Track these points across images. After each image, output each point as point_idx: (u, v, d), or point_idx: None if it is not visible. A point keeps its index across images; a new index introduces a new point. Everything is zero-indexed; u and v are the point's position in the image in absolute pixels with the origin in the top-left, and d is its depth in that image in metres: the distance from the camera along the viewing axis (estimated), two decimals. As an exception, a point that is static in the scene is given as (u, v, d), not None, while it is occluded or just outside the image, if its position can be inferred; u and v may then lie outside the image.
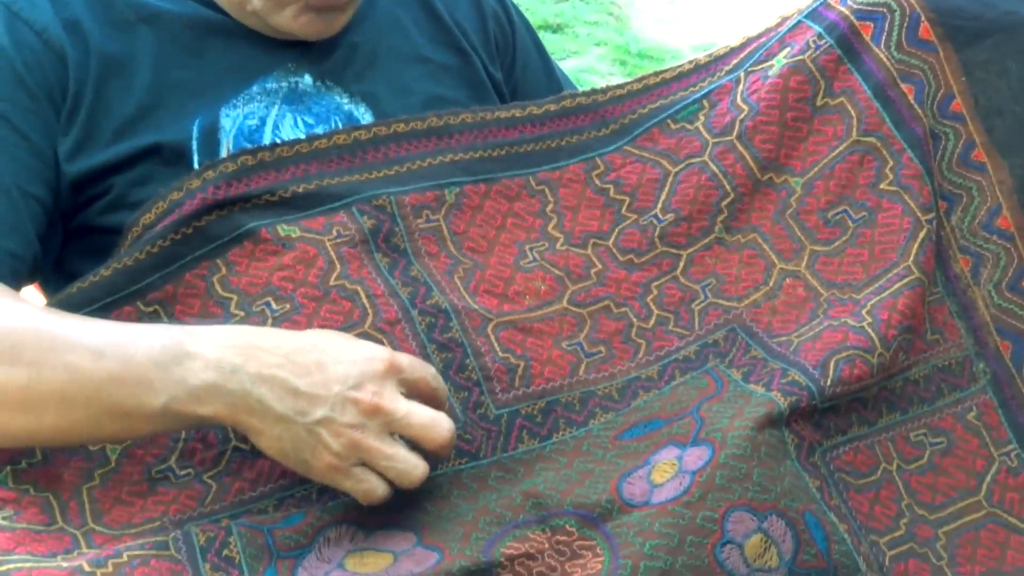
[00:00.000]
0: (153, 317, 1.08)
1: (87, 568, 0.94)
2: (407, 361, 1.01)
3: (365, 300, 1.09)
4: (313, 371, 0.98)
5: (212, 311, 1.08)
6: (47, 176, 1.14)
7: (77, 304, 1.08)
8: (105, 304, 1.08)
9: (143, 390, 0.98)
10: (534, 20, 1.43)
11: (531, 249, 1.17)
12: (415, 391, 1.01)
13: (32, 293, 1.25)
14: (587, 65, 5.33)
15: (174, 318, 1.08)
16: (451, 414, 1.03)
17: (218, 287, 1.09)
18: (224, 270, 1.09)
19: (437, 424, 0.99)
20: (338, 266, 1.09)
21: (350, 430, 0.97)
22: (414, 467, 0.99)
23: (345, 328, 1.07)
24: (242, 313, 1.08)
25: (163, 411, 0.98)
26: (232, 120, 1.18)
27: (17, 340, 1.00)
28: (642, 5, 6.91)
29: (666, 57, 5.76)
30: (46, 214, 1.14)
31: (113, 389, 0.98)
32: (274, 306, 1.08)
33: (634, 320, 1.15)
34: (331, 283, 1.09)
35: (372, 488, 0.99)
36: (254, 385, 0.98)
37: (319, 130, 1.19)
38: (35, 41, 1.15)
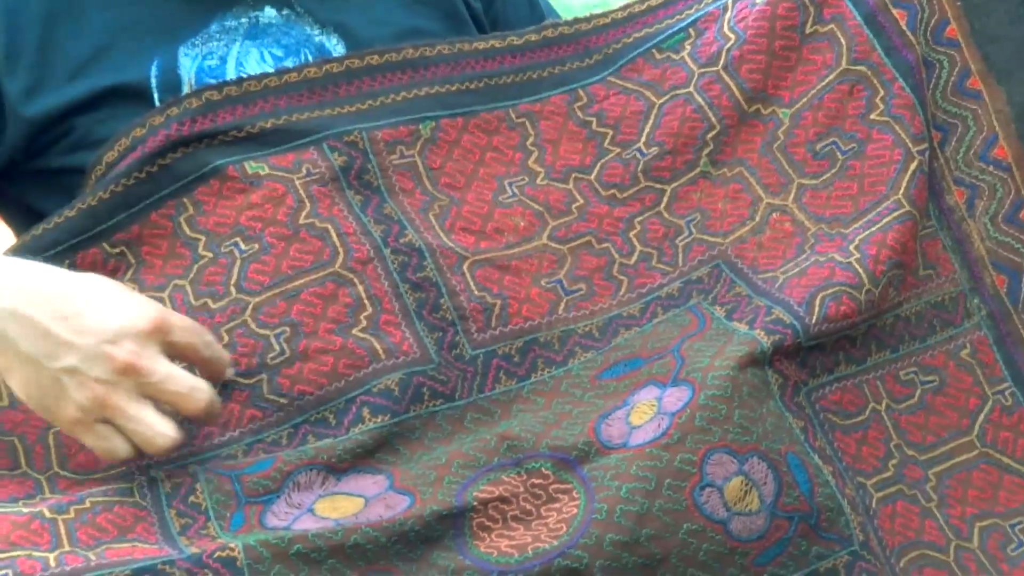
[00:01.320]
0: (120, 258, 1.05)
1: (48, 514, 0.92)
2: (179, 323, 0.97)
3: (336, 239, 1.05)
4: (70, 317, 0.94)
5: (180, 252, 1.05)
6: None
7: (44, 246, 1.05)
8: (71, 245, 1.05)
9: None
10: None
11: (510, 184, 1.13)
12: (184, 356, 0.97)
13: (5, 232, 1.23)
14: (601, 0, 5.26)
15: (141, 259, 1.05)
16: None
17: (185, 227, 1.06)
18: (191, 209, 1.06)
19: (194, 392, 0.95)
20: (308, 204, 1.06)
21: (97, 385, 0.93)
22: (158, 435, 0.94)
23: (315, 267, 1.04)
24: (210, 254, 1.05)
25: None
26: (192, 60, 1.14)
27: None
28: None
29: None
30: None
31: None
32: (243, 246, 1.05)
33: (616, 256, 1.12)
34: (301, 222, 1.06)
35: (113, 448, 0.94)
36: (4, 321, 0.94)
37: (289, 63, 1.16)
38: None
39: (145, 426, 0.94)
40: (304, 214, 1.06)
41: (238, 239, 1.05)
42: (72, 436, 0.96)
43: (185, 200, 1.06)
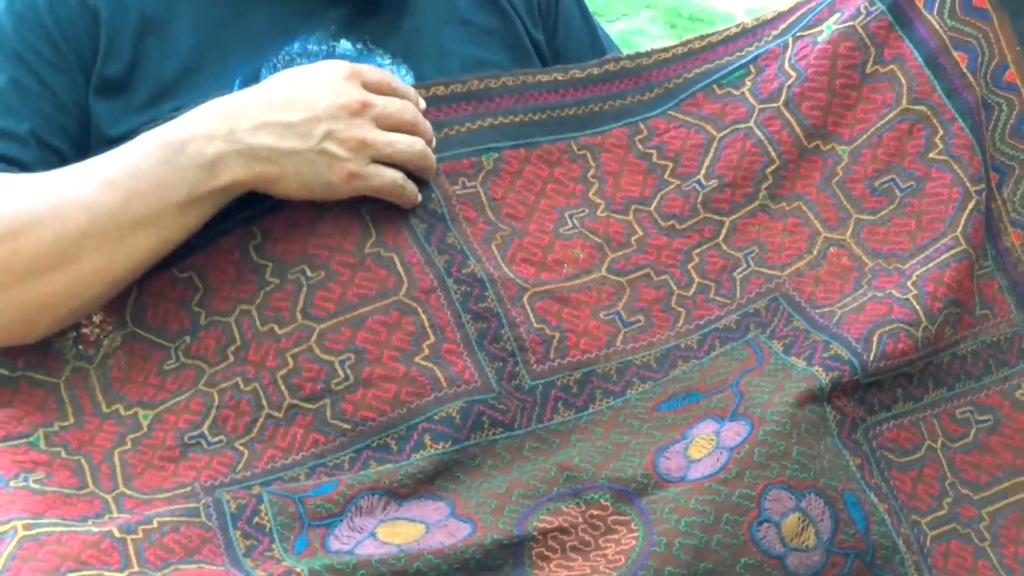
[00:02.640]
0: (187, 283, 1.07)
1: (117, 534, 0.94)
2: (364, 67, 1.10)
3: (400, 268, 1.07)
4: (296, 102, 1.05)
5: (247, 277, 1.07)
6: (68, 129, 1.14)
7: None
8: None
9: (163, 192, 1.03)
10: (584, -19, 1.41)
11: (571, 216, 1.15)
12: (381, 91, 1.10)
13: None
14: (637, 27, 5.27)
15: (209, 284, 1.07)
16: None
17: (253, 254, 1.08)
18: (259, 237, 1.08)
19: (406, 106, 1.10)
20: (373, 233, 1.08)
21: (350, 132, 1.06)
22: (412, 142, 1.08)
23: (380, 296, 1.06)
24: (277, 280, 1.06)
25: (188, 201, 1.03)
26: None
27: (30, 206, 1.03)
28: (695, -34, 6.82)
29: (717, 21, 5.69)
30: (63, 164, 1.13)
31: (136, 205, 1.02)
32: (309, 274, 1.06)
33: (674, 288, 1.13)
34: (366, 251, 1.07)
35: (392, 178, 1.07)
36: (254, 136, 1.04)
37: None
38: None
39: (401, 140, 1.08)
40: (370, 243, 1.07)
41: (305, 266, 1.07)
42: (355, 192, 1.07)
43: (254, 227, 1.08)
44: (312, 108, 1.05)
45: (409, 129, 1.09)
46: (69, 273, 1.02)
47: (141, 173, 1.03)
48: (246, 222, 1.08)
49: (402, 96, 1.11)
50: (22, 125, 1.12)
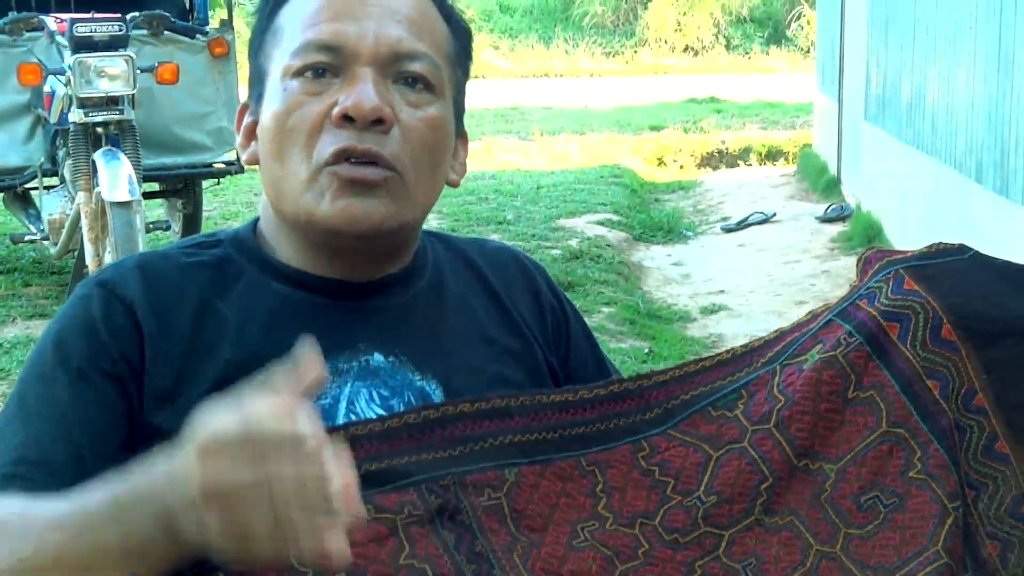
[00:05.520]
0: None
1: None
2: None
3: None
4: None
5: None
6: (115, 440, 1.23)
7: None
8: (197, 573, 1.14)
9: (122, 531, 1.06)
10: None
11: (583, 529, 1.24)
12: None
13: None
14: (597, 324, 5.47)
15: None
16: None
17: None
18: None
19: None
20: (407, 546, 1.16)
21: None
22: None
23: None
24: None
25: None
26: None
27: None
28: (651, 266, 7.13)
29: (675, 318, 5.92)
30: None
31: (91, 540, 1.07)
32: None
33: None
34: (401, 562, 1.16)
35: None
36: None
37: (394, 402, 1.27)
38: (122, 313, 1.26)
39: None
40: (404, 555, 1.16)
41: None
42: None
43: None
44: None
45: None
46: None
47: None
48: None
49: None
50: (66, 450, 1.21)
